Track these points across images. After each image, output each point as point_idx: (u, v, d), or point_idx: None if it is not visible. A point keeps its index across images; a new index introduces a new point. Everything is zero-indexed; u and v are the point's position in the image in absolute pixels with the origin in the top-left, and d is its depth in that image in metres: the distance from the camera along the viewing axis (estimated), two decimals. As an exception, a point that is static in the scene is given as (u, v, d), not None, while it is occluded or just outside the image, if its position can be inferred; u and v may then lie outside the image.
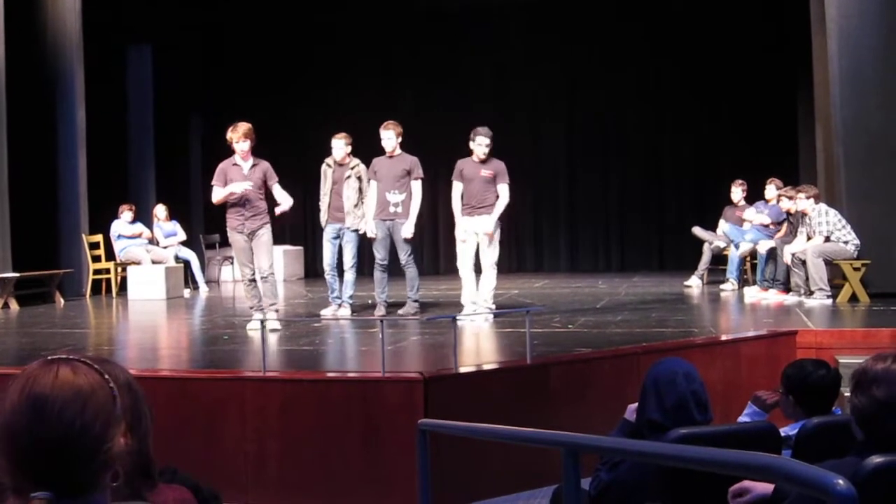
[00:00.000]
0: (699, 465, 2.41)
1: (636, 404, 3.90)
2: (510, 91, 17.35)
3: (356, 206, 9.71)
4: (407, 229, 9.42)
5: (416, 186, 9.62)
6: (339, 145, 9.80)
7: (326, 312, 9.86)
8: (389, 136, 9.63)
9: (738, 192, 12.93)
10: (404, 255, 9.58)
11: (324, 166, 9.97)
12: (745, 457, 2.11)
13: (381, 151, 9.70)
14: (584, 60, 17.06)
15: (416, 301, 9.69)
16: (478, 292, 9.13)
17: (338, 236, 9.86)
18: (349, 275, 9.85)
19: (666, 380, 3.58)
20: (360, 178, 9.75)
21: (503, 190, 9.24)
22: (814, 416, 3.56)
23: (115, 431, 1.55)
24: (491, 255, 9.09)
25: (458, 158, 17.93)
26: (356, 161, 9.84)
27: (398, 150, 9.68)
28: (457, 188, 9.26)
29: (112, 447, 1.53)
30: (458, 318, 8.75)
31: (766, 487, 3.07)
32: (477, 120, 17.22)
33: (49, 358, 1.58)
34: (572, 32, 17.03)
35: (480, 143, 9.20)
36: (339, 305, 9.86)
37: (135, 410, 1.64)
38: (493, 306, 9.18)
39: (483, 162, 9.22)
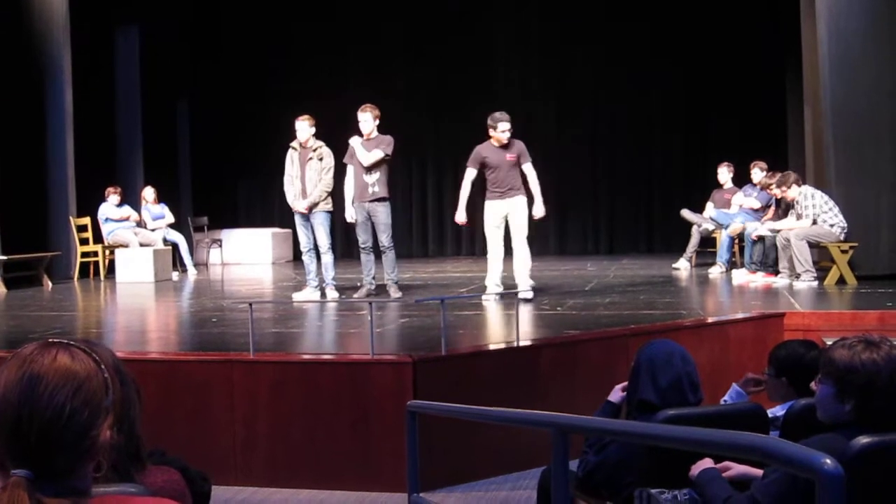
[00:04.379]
0: (688, 446, 2.42)
1: (621, 385, 3.93)
2: (499, 75, 17.31)
3: (316, 186, 9.61)
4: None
5: (372, 155, 9.46)
6: (304, 126, 9.68)
7: (298, 296, 9.83)
8: (366, 119, 9.57)
9: (724, 174, 12.96)
10: (385, 239, 9.57)
11: (289, 151, 9.85)
12: (734, 437, 2.12)
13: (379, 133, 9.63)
14: (573, 45, 17.01)
15: (396, 282, 9.72)
16: (519, 273, 9.14)
17: (308, 219, 9.75)
18: (326, 257, 9.77)
19: (662, 360, 3.60)
20: (321, 160, 9.66)
21: (531, 168, 9.30)
22: (802, 398, 3.58)
23: (103, 421, 1.55)
24: (525, 235, 9.17)
25: (447, 142, 17.98)
26: (319, 143, 9.77)
27: (375, 133, 9.62)
28: (471, 174, 9.26)
29: (97, 436, 1.54)
30: (484, 297, 9.03)
31: (746, 469, 3.09)
32: (467, 103, 17.31)
33: (49, 340, 1.59)
34: (561, 18, 16.99)
35: (503, 129, 9.12)
36: (316, 288, 9.80)
37: (124, 400, 1.64)
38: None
39: (505, 146, 9.18)
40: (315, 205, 9.61)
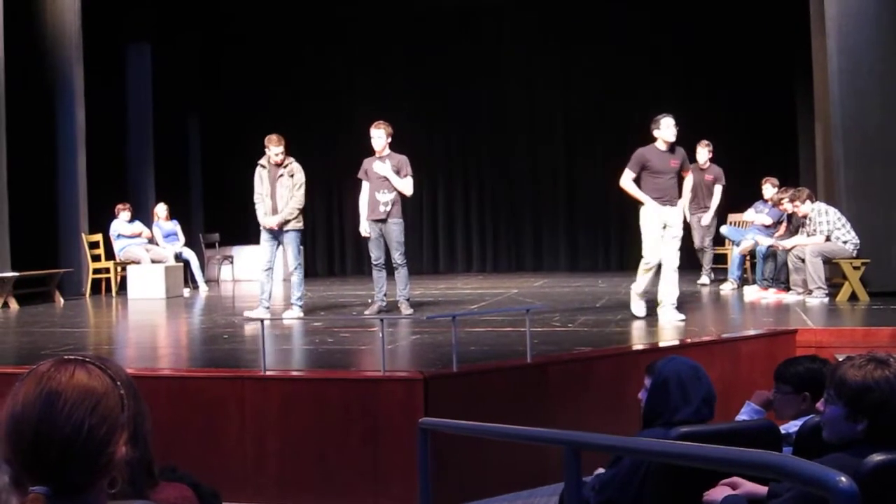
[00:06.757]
0: (703, 464, 2.41)
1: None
2: (508, 90, 17.36)
3: (288, 203, 9.57)
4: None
5: (408, 183, 9.56)
6: (278, 151, 9.57)
7: (251, 314, 9.61)
8: (379, 136, 9.57)
9: (703, 154, 12.74)
10: (398, 256, 9.57)
11: (257, 168, 9.79)
12: (749, 455, 2.11)
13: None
14: (583, 61, 17.04)
15: (408, 299, 9.70)
16: (668, 289, 8.56)
17: (276, 237, 9.70)
18: (295, 276, 9.70)
19: (690, 376, 3.58)
20: (292, 176, 9.62)
21: (690, 181, 9.08)
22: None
23: (119, 437, 1.56)
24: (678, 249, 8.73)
25: (457, 157, 18.02)
26: (290, 159, 9.71)
27: (387, 150, 9.61)
28: (628, 176, 8.69)
29: (114, 452, 1.55)
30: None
31: (754, 487, 3.08)
32: (475, 119, 17.37)
33: (65, 357, 1.60)
34: (567, 33, 17.04)
35: (668, 125, 8.65)
36: (267, 308, 9.63)
37: (137, 416, 1.65)
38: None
39: (670, 150, 8.71)
40: (286, 222, 9.58)
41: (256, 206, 9.77)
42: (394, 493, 5.58)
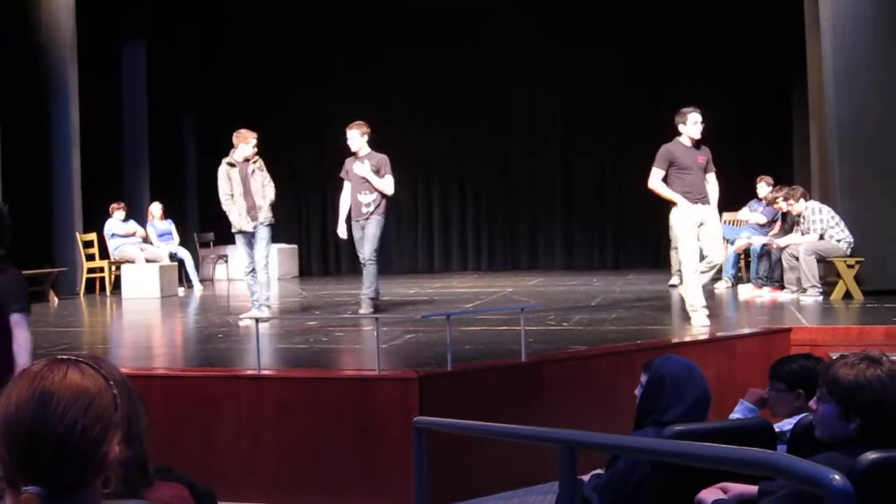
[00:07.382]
0: (698, 462, 2.42)
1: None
2: (507, 90, 17.33)
3: (265, 197, 9.22)
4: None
5: (388, 182, 9.38)
6: (253, 143, 9.24)
7: (246, 316, 9.28)
8: (353, 136, 9.44)
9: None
10: (369, 251, 9.29)
11: (224, 167, 9.24)
12: (744, 453, 2.11)
13: (383, 150, 9.58)
14: (583, 61, 17.01)
15: (371, 298, 9.45)
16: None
17: (251, 237, 9.26)
18: (266, 273, 9.35)
19: (685, 375, 3.58)
20: (262, 171, 9.28)
21: (714, 179, 8.39)
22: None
23: (113, 437, 1.56)
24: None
25: (451, 156, 17.98)
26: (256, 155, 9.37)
27: (365, 150, 9.46)
28: (658, 175, 8.19)
29: (108, 452, 1.55)
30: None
31: (745, 488, 3.08)
32: (474, 118, 17.35)
33: (58, 357, 1.60)
34: (566, 34, 17.02)
35: (695, 121, 8.20)
36: (260, 308, 9.30)
37: (132, 416, 1.65)
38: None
39: (696, 146, 8.24)
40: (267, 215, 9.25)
41: (227, 209, 9.25)
42: (389, 493, 5.58)
